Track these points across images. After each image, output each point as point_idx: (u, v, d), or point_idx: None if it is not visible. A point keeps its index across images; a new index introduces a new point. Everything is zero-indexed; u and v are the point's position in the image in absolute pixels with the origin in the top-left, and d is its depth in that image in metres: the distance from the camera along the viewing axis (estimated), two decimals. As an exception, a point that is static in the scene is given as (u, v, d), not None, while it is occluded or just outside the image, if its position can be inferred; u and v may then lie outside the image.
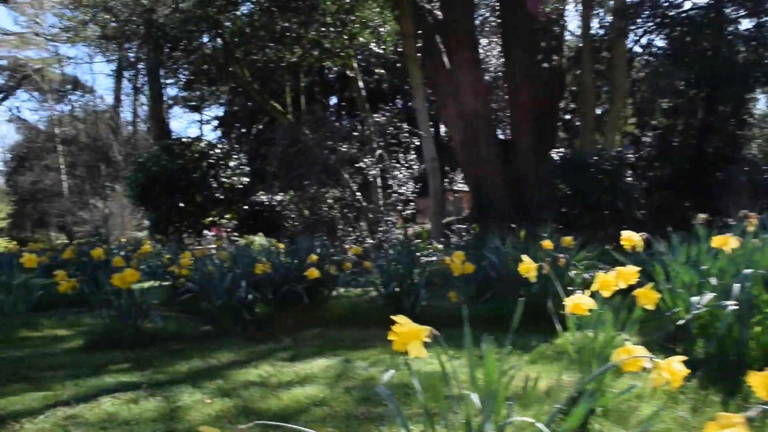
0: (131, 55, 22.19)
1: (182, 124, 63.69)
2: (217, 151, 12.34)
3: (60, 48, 34.76)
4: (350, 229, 9.77)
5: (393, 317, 1.75)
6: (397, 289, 5.20)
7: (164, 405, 3.07)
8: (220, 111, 32.62)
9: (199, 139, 12.81)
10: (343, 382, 3.53)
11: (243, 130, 29.74)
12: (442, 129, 24.23)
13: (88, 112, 36.11)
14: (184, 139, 12.42)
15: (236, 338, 4.77)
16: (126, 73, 34.99)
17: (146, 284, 6.42)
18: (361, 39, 17.28)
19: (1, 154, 38.48)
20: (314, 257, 5.02)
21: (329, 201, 11.85)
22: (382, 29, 16.49)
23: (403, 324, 1.75)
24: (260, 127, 27.82)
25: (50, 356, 4.17)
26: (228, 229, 14.45)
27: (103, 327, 4.74)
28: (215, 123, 32.90)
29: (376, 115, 11.03)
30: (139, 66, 25.23)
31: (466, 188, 19.90)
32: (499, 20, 17.17)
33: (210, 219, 12.74)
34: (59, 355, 4.22)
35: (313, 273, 4.83)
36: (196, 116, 35.65)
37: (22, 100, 39.83)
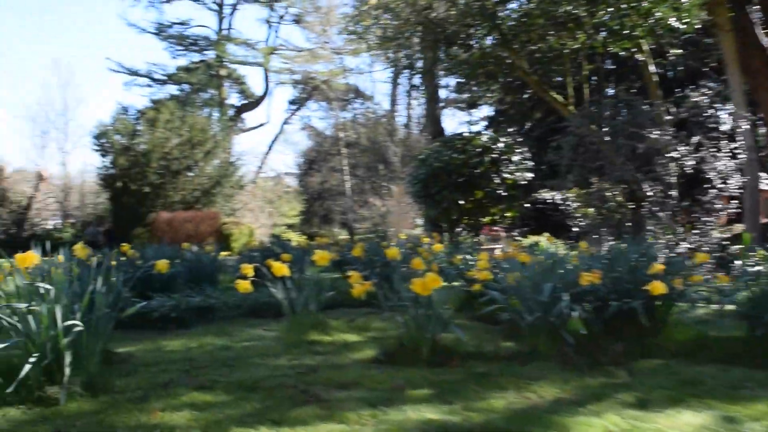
0: (407, 53, 22.62)
1: (452, 125, 64.93)
2: (500, 145, 11.53)
3: (344, 60, 37.55)
4: (659, 230, 8.18)
5: None
6: None
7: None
8: (489, 111, 32.12)
9: (480, 133, 12.14)
10: (750, 462, 2.31)
11: (511, 129, 28.80)
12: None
13: (368, 117, 38.40)
14: (465, 134, 11.85)
15: (551, 363, 3.77)
16: (401, 79, 36.52)
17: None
18: (656, 15, 15.16)
19: (296, 159, 42.78)
20: (659, 267, 3.80)
21: (619, 198, 10.33)
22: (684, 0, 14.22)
23: None
24: (532, 124, 26.64)
25: (341, 369, 3.60)
26: (505, 228, 13.62)
27: (396, 337, 4.09)
28: (484, 123, 32.55)
29: (694, 94, 9.22)
30: (415, 67, 25.79)
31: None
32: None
33: (490, 217, 11.98)
34: (351, 367, 3.63)
35: (659, 287, 3.61)
36: (465, 117, 35.63)
37: (312, 110, 43.91)
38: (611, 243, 8.66)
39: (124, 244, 6.40)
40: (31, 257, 2.74)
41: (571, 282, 3.93)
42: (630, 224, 9.01)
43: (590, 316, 3.99)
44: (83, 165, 39.57)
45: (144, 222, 21.29)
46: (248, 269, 4.16)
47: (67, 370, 2.79)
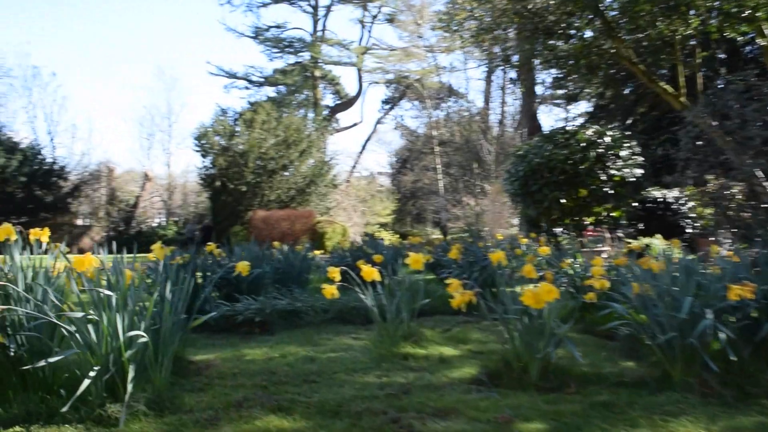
0: (503, 47, 21.88)
1: (548, 122, 62.82)
2: (606, 139, 10.68)
3: (437, 58, 37.12)
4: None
5: None
6: None
7: None
8: (588, 107, 30.68)
9: (585, 126, 11.31)
10: None
11: (612, 125, 27.26)
12: None
13: (461, 115, 37.82)
14: (568, 128, 11.08)
15: (689, 394, 3.14)
16: (495, 75, 35.67)
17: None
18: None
19: (388, 158, 42.76)
20: (830, 278, 3.10)
21: (739, 197, 9.28)
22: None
23: None
24: (634, 119, 25.18)
25: (438, 390, 3.13)
26: (609, 229, 12.70)
27: (498, 353, 3.58)
28: (581, 120, 31.09)
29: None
30: (511, 61, 24.92)
31: None
32: None
33: (594, 217, 11.14)
34: (448, 389, 3.16)
35: (831, 304, 2.92)
36: (562, 113, 34.26)
37: (405, 109, 43.75)
38: (733, 246, 7.73)
39: (211, 243, 6.23)
40: (89, 260, 2.47)
41: (712, 295, 3.28)
42: (761, 225, 8.02)
43: (737, 338, 3.32)
44: (186, 165, 41.20)
45: (242, 220, 21.74)
46: (335, 273, 3.79)
47: (130, 387, 2.49)
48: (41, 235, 2.98)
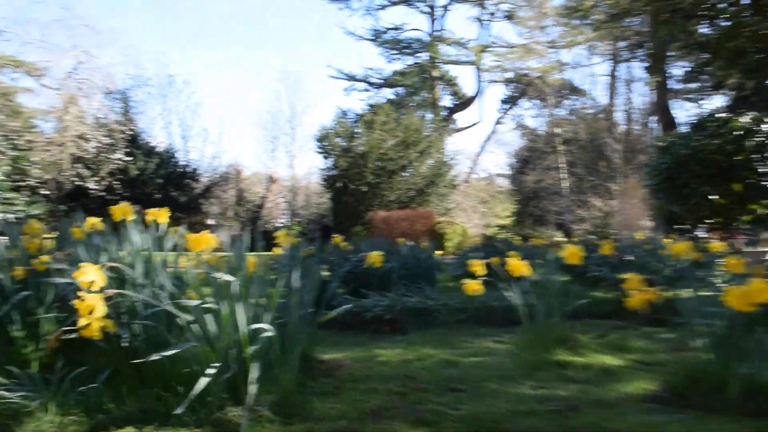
0: (637, 30, 20.50)
1: (679, 118, 58.69)
2: (765, 127, 9.49)
3: (558, 53, 35.61)
4: None
5: None
6: None
7: None
8: (724, 102, 28.10)
9: (741, 113, 10.12)
10: None
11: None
12: None
13: (585, 112, 36.15)
14: (719, 115, 9.96)
15: None
16: (620, 71, 33.72)
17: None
18: None
19: (508, 158, 41.60)
20: None
21: None
22: None
23: None
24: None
25: (611, 408, 2.57)
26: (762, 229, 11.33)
27: (679, 366, 2.96)
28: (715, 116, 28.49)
29: None
30: (644, 47, 23.31)
31: None
32: None
33: (750, 215, 9.93)
34: (623, 407, 2.60)
35: None
36: (694, 109, 31.69)
37: (524, 108, 42.33)
38: None
39: (336, 236, 5.96)
40: (206, 239, 2.17)
41: None
42: None
43: None
44: (309, 167, 42.19)
45: (362, 220, 21.78)
46: (478, 266, 3.33)
47: (253, 388, 2.14)
48: (159, 215, 2.75)
